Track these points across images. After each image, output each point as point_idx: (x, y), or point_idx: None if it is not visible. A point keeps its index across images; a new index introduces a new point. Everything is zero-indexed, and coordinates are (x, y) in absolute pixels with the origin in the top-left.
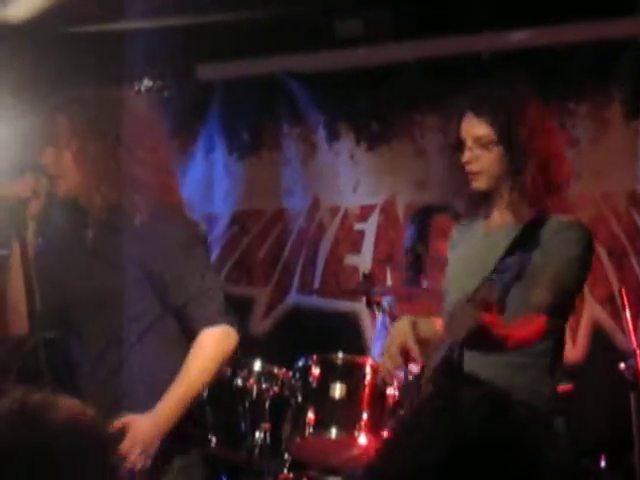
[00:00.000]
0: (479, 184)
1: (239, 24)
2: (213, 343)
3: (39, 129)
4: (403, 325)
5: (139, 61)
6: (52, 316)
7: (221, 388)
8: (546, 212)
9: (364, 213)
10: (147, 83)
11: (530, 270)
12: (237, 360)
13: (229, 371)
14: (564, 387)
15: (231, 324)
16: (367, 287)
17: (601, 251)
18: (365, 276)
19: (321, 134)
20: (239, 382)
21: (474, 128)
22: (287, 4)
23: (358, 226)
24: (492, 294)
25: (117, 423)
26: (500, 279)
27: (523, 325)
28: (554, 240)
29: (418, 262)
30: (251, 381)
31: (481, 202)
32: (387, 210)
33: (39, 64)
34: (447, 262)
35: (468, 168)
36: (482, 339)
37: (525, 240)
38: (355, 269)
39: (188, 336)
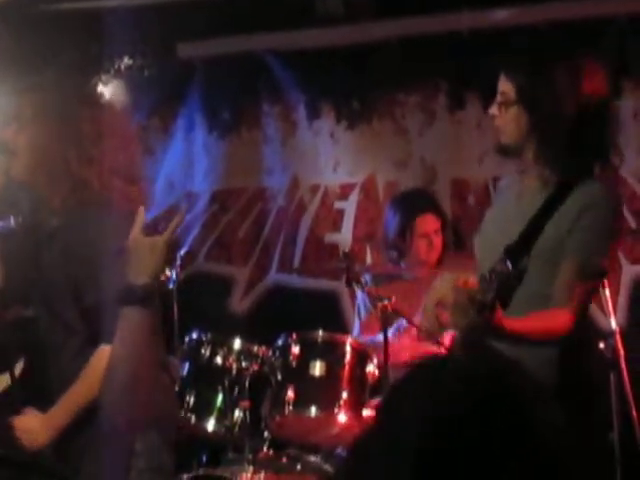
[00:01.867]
0: (502, 139)
1: (220, 2)
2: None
3: (5, 106)
4: (444, 284)
5: (119, 40)
6: (17, 295)
7: (202, 368)
8: (572, 178)
9: (344, 192)
10: (127, 62)
11: (551, 243)
12: (217, 338)
13: (209, 350)
14: None
15: None
16: (347, 265)
17: None
18: (345, 254)
19: (301, 113)
20: (219, 360)
21: (501, 85)
22: None
23: (338, 205)
24: (489, 294)
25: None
26: (502, 275)
27: (544, 319)
28: (583, 217)
29: (398, 251)
30: (231, 359)
31: (512, 159)
32: (367, 189)
33: (16, 43)
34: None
35: (494, 122)
36: (484, 332)
37: (546, 214)
38: (335, 247)
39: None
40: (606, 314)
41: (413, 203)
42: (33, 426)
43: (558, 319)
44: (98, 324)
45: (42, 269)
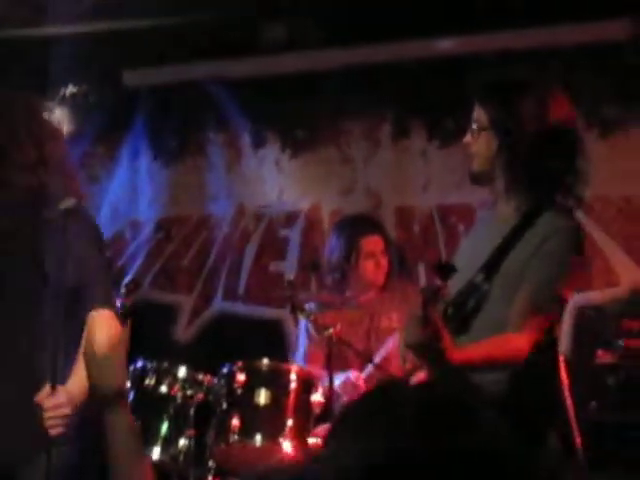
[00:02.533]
0: (474, 166)
1: (165, 30)
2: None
3: None
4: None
5: (64, 67)
6: None
7: (147, 396)
8: (540, 205)
9: (289, 220)
10: (72, 89)
11: (513, 271)
12: (162, 367)
13: (154, 378)
14: None
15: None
16: (291, 293)
17: None
18: (290, 283)
19: (246, 140)
20: (163, 389)
21: (475, 113)
22: (213, 11)
23: (283, 233)
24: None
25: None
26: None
27: (497, 345)
28: (543, 248)
29: (343, 274)
30: (176, 388)
31: (485, 187)
32: (312, 217)
33: None
34: (378, 278)
35: (468, 150)
36: (430, 355)
37: (510, 243)
38: (280, 276)
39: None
40: None
41: (358, 225)
42: (61, 401)
43: (511, 345)
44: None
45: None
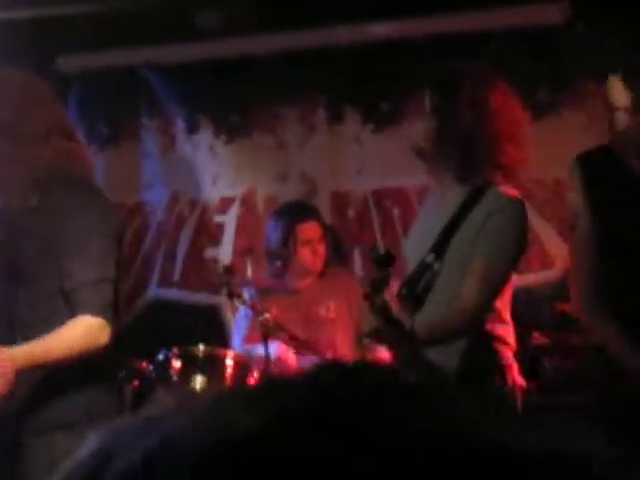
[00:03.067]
0: (420, 141)
1: (99, 15)
2: (86, 330)
3: None
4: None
5: None
6: None
7: None
8: (483, 185)
9: (224, 205)
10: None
11: (461, 249)
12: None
13: None
14: None
15: (108, 321)
16: (227, 279)
17: None
18: (225, 268)
19: (180, 126)
20: None
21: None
22: None
23: (218, 218)
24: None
25: None
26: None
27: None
28: (488, 223)
29: (282, 261)
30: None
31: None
32: (247, 202)
33: None
34: (315, 265)
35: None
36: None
37: (457, 222)
38: (215, 261)
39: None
40: None
41: (295, 212)
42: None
43: (456, 317)
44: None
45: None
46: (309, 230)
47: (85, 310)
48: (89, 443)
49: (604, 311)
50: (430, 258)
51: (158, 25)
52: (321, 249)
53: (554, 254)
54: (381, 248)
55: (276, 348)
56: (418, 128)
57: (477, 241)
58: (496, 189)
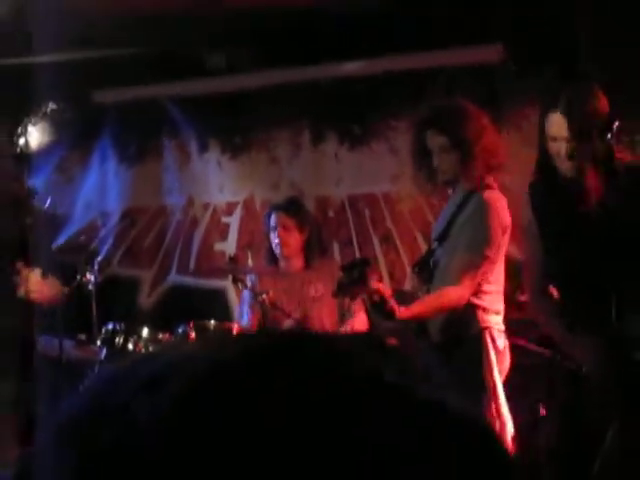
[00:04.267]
0: (444, 177)
1: (128, 57)
2: None
3: None
4: None
5: (45, 88)
6: None
7: (116, 352)
8: (475, 187)
9: (229, 209)
10: (52, 106)
11: (453, 236)
12: (128, 328)
13: (122, 338)
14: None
15: None
16: (233, 268)
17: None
18: (231, 259)
19: (193, 146)
20: (130, 346)
21: (435, 139)
22: (167, 42)
23: (225, 219)
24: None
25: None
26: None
27: (426, 301)
28: (472, 218)
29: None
30: (140, 345)
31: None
32: (248, 206)
33: None
34: (284, 251)
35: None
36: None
37: (453, 218)
38: (223, 254)
39: None
40: None
41: (274, 205)
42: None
43: (450, 296)
44: None
45: None
46: (277, 218)
47: None
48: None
49: (544, 299)
50: (435, 245)
51: (175, 65)
52: (286, 236)
53: None
54: (355, 243)
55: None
56: (384, 148)
57: (462, 231)
58: (484, 190)
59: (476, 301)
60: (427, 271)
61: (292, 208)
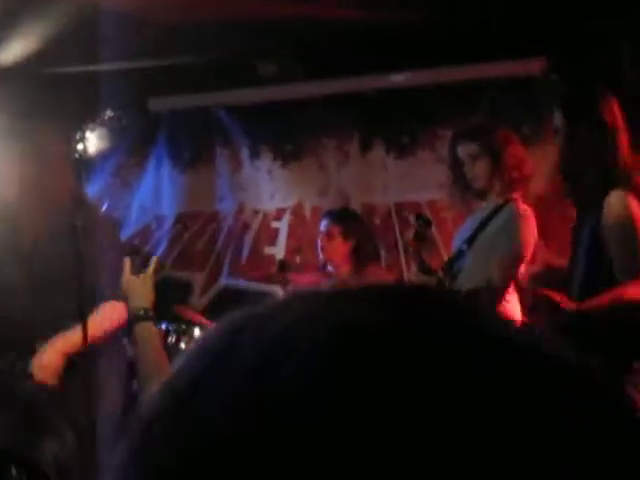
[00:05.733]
0: (477, 184)
1: (182, 66)
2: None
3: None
4: None
5: (104, 96)
6: None
7: (170, 351)
8: (506, 200)
9: (279, 214)
10: (109, 113)
11: (479, 243)
12: (181, 328)
13: (174, 337)
14: None
15: None
16: (282, 271)
17: None
18: (280, 262)
19: (245, 153)
20: (182, 345)
21: (460, 147)
22: (221, 52)
23: (274, 224)
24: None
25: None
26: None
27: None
28: (507, 228)
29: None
30: (191, 345)
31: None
32: (296, 212)
33: (21, 99)
34: (325, 257)
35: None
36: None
37: (483, 225)
38: (272, 257)
39: None
40: None
41: (326, 213)
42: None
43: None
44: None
45: None
46: (324, 225)
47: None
48: (220, 325)
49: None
50: (464, 247)
51: (228, 75)
52: (328, 244)
53: (535, 252)
54: (401, 249)
55: None
56: (430, 157)
57: (499, 238)
58: (513, 207)
59: None
60: (452, 271)
61: (340, 217)
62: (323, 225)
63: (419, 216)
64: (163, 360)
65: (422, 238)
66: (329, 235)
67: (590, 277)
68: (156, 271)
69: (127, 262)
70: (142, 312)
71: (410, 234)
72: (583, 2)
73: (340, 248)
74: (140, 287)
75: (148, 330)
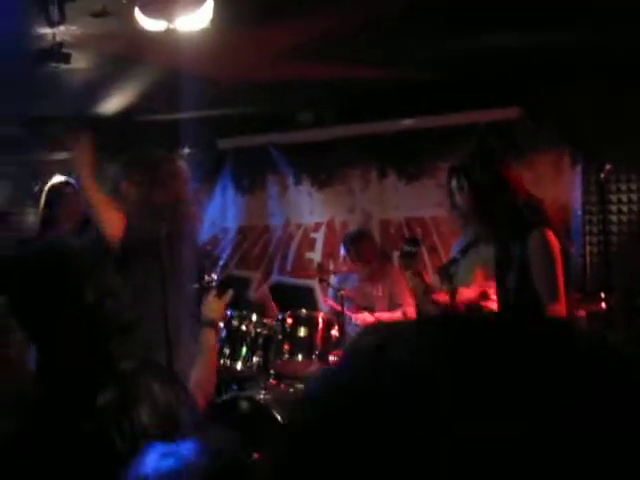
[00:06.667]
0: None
1: (243, 114)
2: None
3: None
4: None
5: (182, 136)
6: None
7: (233, 332)
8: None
9: (316, 227)
10: (186, 150)
11: (471, 255)
12: (242, 314)
13: (237, 321)
14: None
15: None
16: (319, 271)
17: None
18: (318, 265)
19: (290, 180)
20: (244, 328)
21: (453, 182)
22: (268, 104)
23: (313, 235)
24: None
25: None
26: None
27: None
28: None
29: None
30: (251, 327)
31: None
32: (330, 225)
33: (119, 141)
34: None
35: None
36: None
37: (473, 243)
38: (312, 260)
39: None
40: None
41: (355, 235)
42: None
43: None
44: None
45: None
46: (343, 252)
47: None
48: (363, 337)
49: None
50: (459, 255)
51: (278, 121)
52: (349, 265)
53: None
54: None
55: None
56: (432, 183)
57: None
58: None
59: (488, 305)
60: (447, 274)
61: (351, 247)
62: (342, 250)
63: (407, 239)
64: (213, 356)
65: (408, 256)
66: (346, 260)
67: (518, 297)
68: (222, 270)
69: (213, 292)
70: (210, 321)
71: (398, 253)
72: None
73: (357, 265)
74: (215, 306)
75: (209, 334)
